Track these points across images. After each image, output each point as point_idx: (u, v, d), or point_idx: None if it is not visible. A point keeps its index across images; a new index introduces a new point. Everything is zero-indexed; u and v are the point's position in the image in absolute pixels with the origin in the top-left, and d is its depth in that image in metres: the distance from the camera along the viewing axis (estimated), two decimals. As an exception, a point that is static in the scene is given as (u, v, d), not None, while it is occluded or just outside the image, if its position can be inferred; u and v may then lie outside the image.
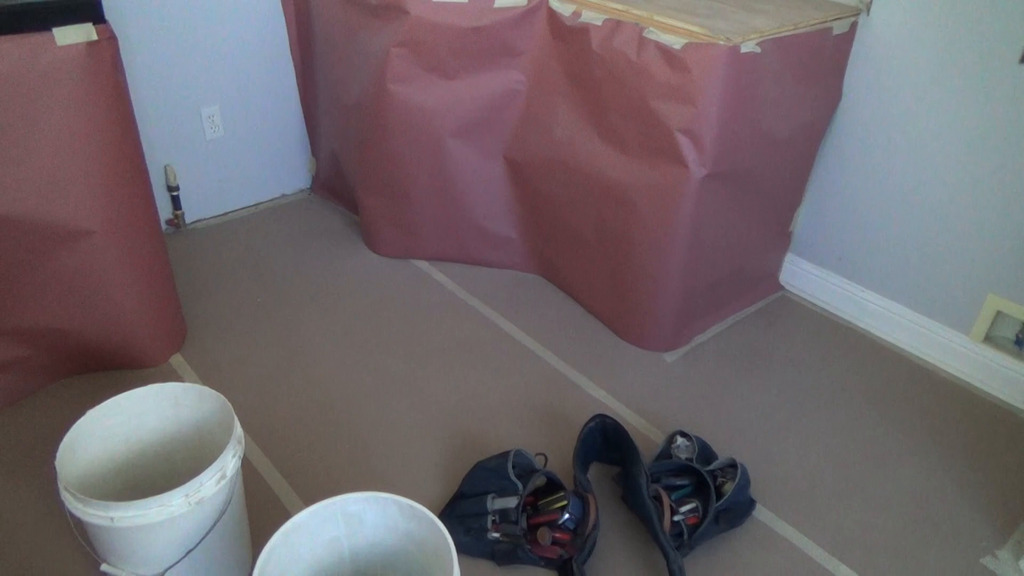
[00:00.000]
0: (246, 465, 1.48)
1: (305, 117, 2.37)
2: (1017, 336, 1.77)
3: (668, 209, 1.66)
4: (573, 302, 2.01)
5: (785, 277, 2.13)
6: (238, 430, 1.15)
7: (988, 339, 1.79)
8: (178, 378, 1.68)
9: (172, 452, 1.27)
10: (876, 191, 1.87)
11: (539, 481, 1.40)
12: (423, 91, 1.88)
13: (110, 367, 1.68)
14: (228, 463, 1.11)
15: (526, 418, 1.63)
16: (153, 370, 1.70)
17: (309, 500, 1.41)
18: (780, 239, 2.05)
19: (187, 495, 1.05)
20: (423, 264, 2.13)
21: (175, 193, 2.16)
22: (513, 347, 1.84)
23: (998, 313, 1.75)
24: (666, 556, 1.27)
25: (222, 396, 1.20)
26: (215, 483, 1.08)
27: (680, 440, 1.46)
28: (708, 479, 1.38)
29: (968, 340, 1.81)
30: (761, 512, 1.45)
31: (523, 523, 1.33)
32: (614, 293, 1.87)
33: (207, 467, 1.22)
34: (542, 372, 1.77)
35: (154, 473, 1.27)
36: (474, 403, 1.66)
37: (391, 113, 1.90)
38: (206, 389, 1.21)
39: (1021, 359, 1.74)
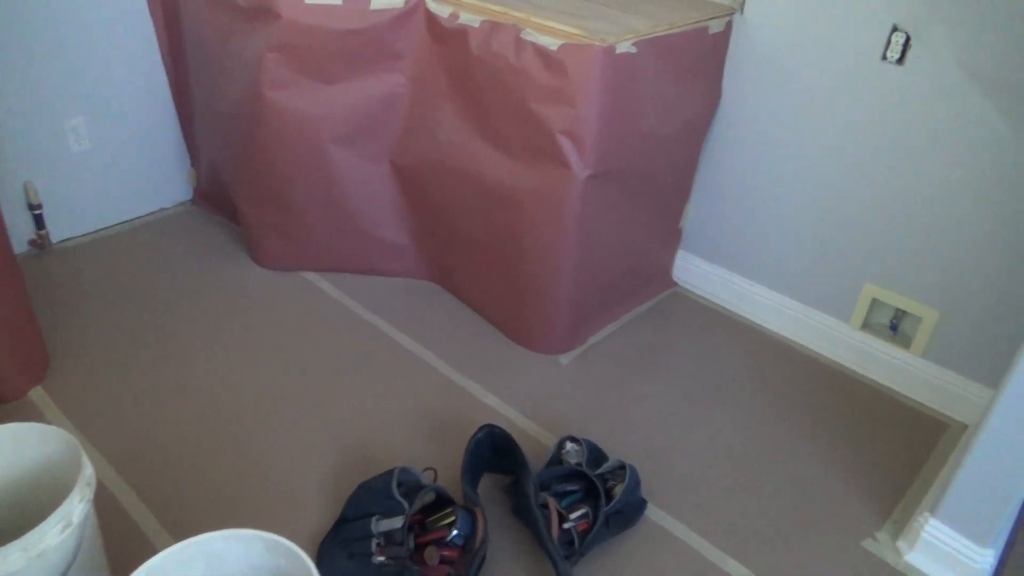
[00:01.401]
0: (114, 505, 1.38)
1: (182, 126, 2.25)
2: (891, 321, 1.84)
3: (554, 211, 1.65)
4: (467, 308, 1.98)
5: (677, 273, 2.16)
6: (87, 471, 1.07)
7: (866, 326, 1.86)
8: (37, 413, 1.56)
9: (19, 499, 1.16)
10: (758, 187, 1.91)
11: (427, 498, 1.36)
12: (301, 97, 1.80)
13: (-40, 404, 1.55)
14: (75, 509, 1.02)
15: (417, 431, 1.59)
16: (7, 406, 1.57)
17: (183, 539, 1.33)
18: (671, 236, 2.07)
19: (25, 548, 0.96)
20: (312, 276, 2.06)
21: (37, 211, 2.01)
22: (405, 358, 1.79)
23: (874, 301, 1.82)
24: (555, 566, 1.25)
25: (67, 434, 1.11)
26: (59, 532, 0.99)
27: (569, 445, 1.45)
28: (597, 483, 1.37)
29: (848, 328, 1.87)
30: (653, 511, 1.45)
31: (410, 543, 1.28)
32: (507, 297, 1.85)
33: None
34: (434, 382, 1.72)
35: (17, 521, 1.16)
36: (364, 419, 1.60)
37: (269, 120, 1.82)
38: (49, 427, 1.12)
39: (895, 343, 1.81)
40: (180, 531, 1.34)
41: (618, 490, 1.39)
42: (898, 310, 1.81)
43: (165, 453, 1.49)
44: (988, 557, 1.32)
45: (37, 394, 1.61)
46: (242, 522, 1.36)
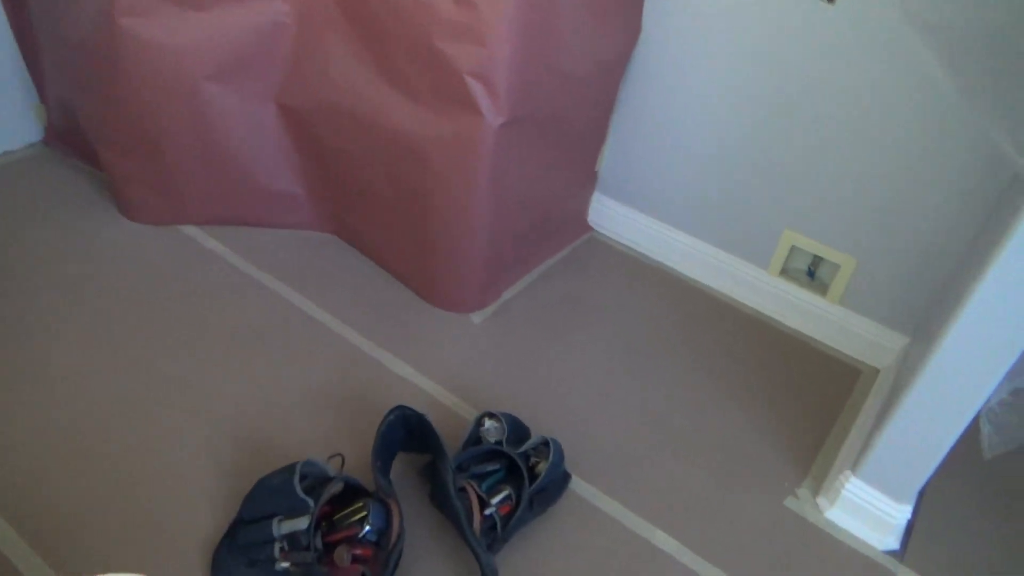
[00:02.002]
0: (-37, 517, 1.19)
1: (23, 53, 1.91)
2: (808, 268, 1.81)
3: (465, 162, 1.49)
4: (372, 265, 1.82)
5: (593, 217, 2.06)
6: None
7: (784, 272, 1.82)
8: None
9: None
10: (677, 128, 1.80)
11: (335, 489, 1.24)
12: (165, 26, 1.54)
13: None
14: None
15: (323, 411, 1.45)
16: None
17: (59, 566, 1.16)
18: (587, 179, 1.96)
19: None
20: (192, 231, 1.83)
21: None
22: (305, 325, 1.62)
23: (792, 247, 1.78)
24: (478, 559, 1.17)
25: None
26: None
27: (488, 422, 1.35)
28: (520, 462, 1.29)
29: (767, 275, 1.84)
30: (577, 484, 1.38)
31: (317, 544, 1.17)
32: (415, 253, 1.70)
33: None
34: (340, 352, 1.58)
35: None
36: (260, 401, 1.45)
37: (127, 54, 1.55)
38: None
39: (812, 290, 1.79)
40: (49, 554, 1.17)
41: (542, 467, 1.31)
42: (816, 257, 1.78)
43: (19, 460, 1.29)
44: (906, 512, 1.33)
45: None
46: (121, 533, 1.20)
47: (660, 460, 1.45)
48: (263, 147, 1.74)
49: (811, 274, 1.81)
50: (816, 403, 1.63)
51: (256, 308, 1.64)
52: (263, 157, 1.75)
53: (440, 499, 1.25)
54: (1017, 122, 1.35)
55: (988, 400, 1.16)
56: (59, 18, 1.64)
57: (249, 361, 1.52)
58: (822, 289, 1.78)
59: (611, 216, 2.02)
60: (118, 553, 1.17)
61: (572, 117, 1.68)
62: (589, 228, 2.06)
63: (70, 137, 1.97)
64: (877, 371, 1.73)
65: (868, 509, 1.34)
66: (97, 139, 1.75)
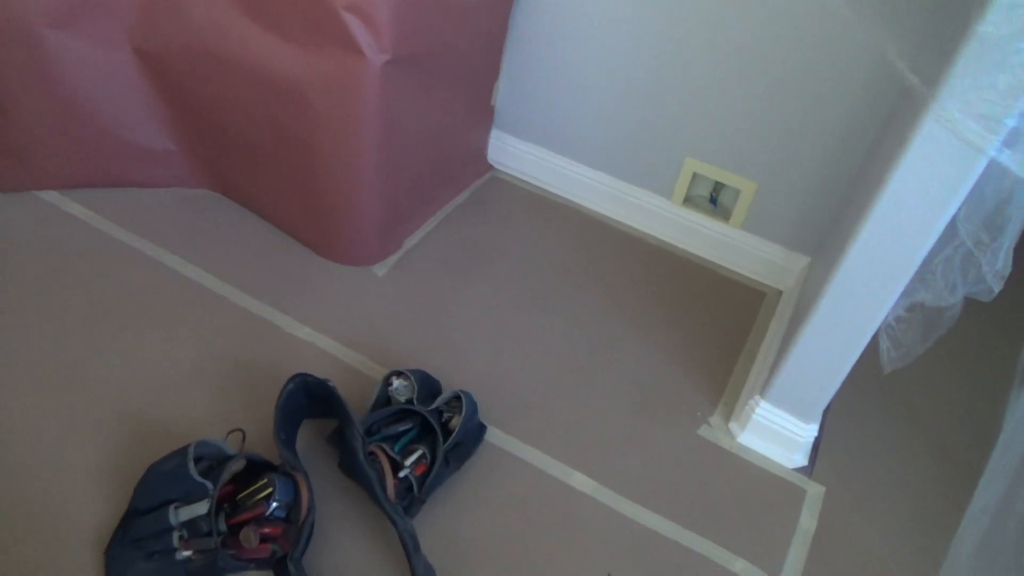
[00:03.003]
0: None
1: None
2: (711, 195, 1.80)
3: (349, 106, 1.38)
4: (260, 221, 1.69)
5: (493, 155, 1.98)
6: None
7: (687, 201, 1.81)
8: None
9: None
10: (571, 58, 1.73)
11: (236, 467, 1.16)
12: (-15, -37, 1.34)
13: None
14: None
15: (218, 384, 1.35)
16: None
17: (-86, 571, 1.04)
18: (483, 116, 1.87)
19: None
20: (52, 196, 1.65)
21: None
22: (189, 291, 1.50)
23: (695, 175, 1.76)
24: (395, 525, 1.12)
25: None
26: None
27: (397, 381, 1.29)
28: (432, 420, 1.24)
29: (670, 204, 1.82)
30: (492, 434, 1.35)
31: (220, 527, 1.09)
32: (305, 205, 1.58)
33: None
34: (231, 318, 1.47)
35: None
36: (144, 380, 1.33)
37: (-58, -3, 1.34)
38: None
39: (715, 216, 1.79)
40: (-89, 564, 1.05)
41: (455, 422, 1.27)
42: (717, 183, 1.77)
43: None
44: (812, 430, 1.37)
45: None
46: (3, 536, 1.09)
47: (574, 400, 1.44)
48: (123, 98, 1.56)
49: (714, 201, 1.81)
50: (724, 329, 1.64)
51: (132, 277, 1.50)
52: (124, 109, 1.58)
53: (350, 466, 1.20)
54: (905, 34, 1.35)
55: (886, 316, 1.19)
56: None
57: (129, 336, 1.39)
58: (725, 215, 1.78)
59: (511, 153, 1.95)
60: (2, 557, 1.07)
61: (462, 51, 1.58)
62: (490, 167, 1.98)
63: None
64: (780, 293, 1.76)
65: (777, 431, 1.37)
66: (-77, 98, 1.53)
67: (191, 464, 1.09)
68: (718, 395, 1.50)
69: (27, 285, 1.45)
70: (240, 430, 1.25)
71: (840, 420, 1.49)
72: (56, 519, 1.12)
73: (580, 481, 1.31)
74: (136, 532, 1.09)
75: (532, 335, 1.55)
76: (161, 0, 1.44)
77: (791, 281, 1.75)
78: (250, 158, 1.59)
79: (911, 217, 1.06)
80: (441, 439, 1.23)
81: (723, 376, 1.54)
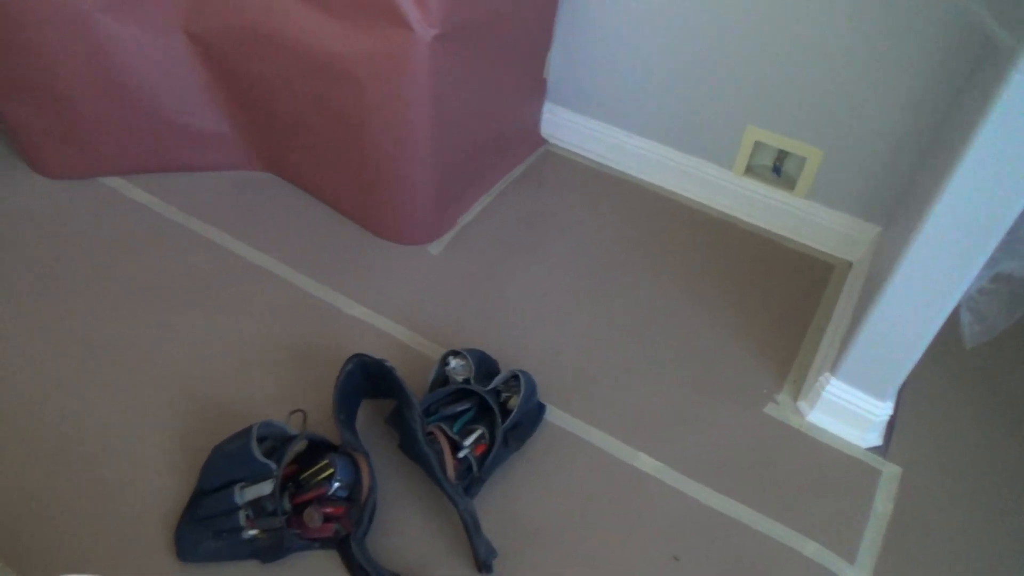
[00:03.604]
0: None
1: None
2: (774, 164, 1.73)
3: (399, 83, 1.36)
4: (315, 202, 1.69)
5: (547, 129, 1.94)
6: None
7: (749, 170, 1.74)
8: None
9: None
10: (626, 25, 1.67)
11: (298, 448, 1.17)
12: (42, -49, 1.36)
13: None
14: None
15: (277, 364, 1.36)
16: None
17: (15, 560, 1.08)
18: (535, 89, 1.83)
19: None
20: (116, 182, 1.68)
21: None
22: (248, 272, 1.52)
23: (756, 143, 1.69)
24: (455, 505, 1.12)
25: None
26: None
27: (454, 361, 1.28)
28: (490, 400, 1.23)
29: (732, 174, 1.76)
30: (553, 414, 1.33)
31: (285, 507, 1.10)
32: (359, 185, 1.58)
33: None
34: (288, 299, 1.48)
35: None
36: (207, 359, 1.35)
37: (3, -11, 1.37)
38: None
39: (778, 186, 1.72)
40: (4, 542, 1.09)
41: (514, 402, 1.25)
42: (781, 151, 1.70)
43: (-44, 443, 1.20)
44: (887, 409, 1.31)
45: None
46: (78, 518, 1.12)
47: (635, 379, 1.40)
48: (177, 83, 1.58)
49: (777, 170, 1.73)
50: (791, 304, 1.58)
51: (193, 259, 1.53)
52: (179, 94, 1.59)
53: (409, 447, 1.19)
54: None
55: (968, 288, 1.11)
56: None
57: (191, 318, 1.42)
58: (789, 184, 1.71)
59: (565, 126, 1.91)
60: (79, 540, 1.10)
61: (513, 21, 1.54)
62: (543, 141, 1.94)
63: (-37, 90, 1.77)
64: (850, 264, 1.69)
65: (849, 409, 1.32)
66: (-10, 90, 1.57)
67: (255, 445, 1.09)
68: (785, 372, 1.45)
69: (94, 269, 1.48)
70: (301, 411, 1.26)
71: (917, 398, 1.42)
72: (128, 498, 1.15)
73: (644, 461, 1.28)
74: (204, 511, 1.10)
75: (591, 312, 1.52)
76: (212, -18, 1.44)
77: (861, 252, 1.67)
78: (303, 139, 1.58)
79: (996, 180, 0.99)
80: (500, 419, 1.22)
81: (790, 352, 1.48)
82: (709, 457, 1.29)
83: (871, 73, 1.46)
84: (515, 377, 1.27)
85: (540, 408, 1.32)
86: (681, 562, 1.15)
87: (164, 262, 1.51)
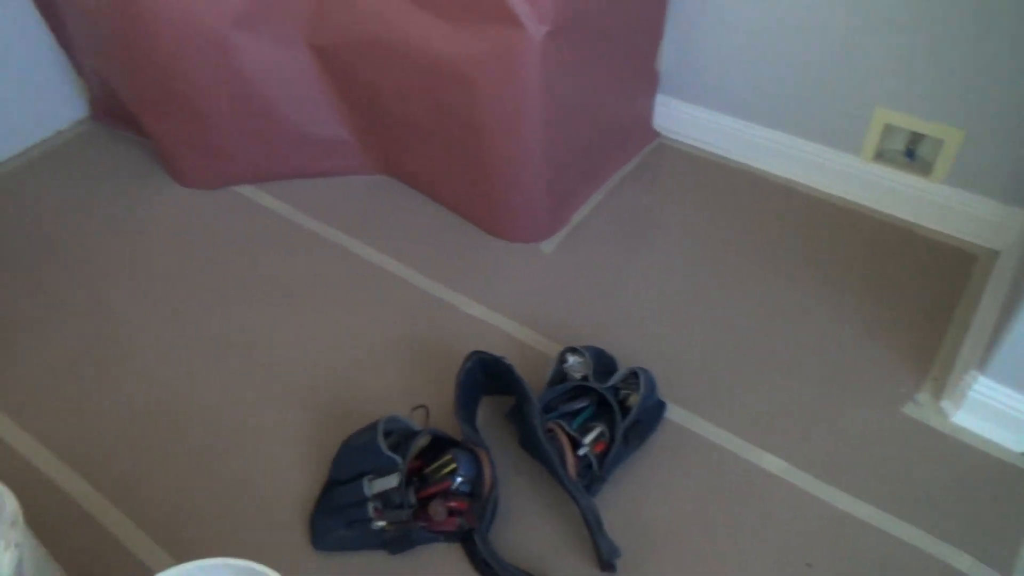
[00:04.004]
0: (75, 512, 1.20)
1: (53, 30, 1.86)
2: (907, 147, 1.62)
3: (511, 82, 1.37)
4: (431, 203, 1.73)
5: (659, 122, 1.90)
6: (9, 509, 0.88)
7: (879, 156, 1.64)
8: (-42, 411, 1.35)
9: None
10: (742, 8, 1.61)
11: (422, 443, 1.20)
12: (180, -24, 1.45)
13: None
14: (1, 561, 0.84)
15: (398, 361, 1.40)
16: (-77, 408, 1.35)
17: (163, 542, 1.17)
18: (647, 81, 1.80)
19: (-55, 627, 0.79)
20: (246, 190, 1.78)
21: (-97, 163, 1.69)
22: (369, 272, 1.57)
23: (887, 126, 1.59)
24: (577, 503, 1.11)
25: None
26: (-16, 597, 0.82)
27: (571, 358, 1.27)
28: (609, 397, 1.21)
29: (859, 160, 1.66)
30: (673, 412, 1.30)
31: (411, 500, 1.13)
32: (472, 185, 1.60)
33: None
34: (408, 297, 1.52)
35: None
36: (333, 357, 1.41)
37: (144, 11, 1.47)
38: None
39: (912, 171, 1.61)
40: (151, 525, 1.18)
41: (633, 400, 1.23)
42: (914, 134, 1.59)
43: (120, 434, 1.30)
44: (1044, 409, 1.20)
45: (-45, 386, 1.39)
46: (219, 505, 1.20)
47: (760, 376, 1.35)
48: (302, 93, 1.65)
49: (910, 154, 1.62)
50: (929, 296, 1.48)
51: (318, 261, 1.59)
52: (304, 104, 1.67)
53: (529, 443, 1.20)
54: None
55: None
56: (76, -15, 1.57)
57: (317, 317, 1.48)
58: (925, 169, 1.60)
59: (678, 118, 1.86)
60: (219, 526, 1.17)
61: (623, 13, 1.52)
62: (656, 134, 1.90)
63: (112, 108, 1.93)
64: (996, 253, 1.56)
65: (1001, 410, 1.21)
66: (134, 106, 1.70)
67: (381, 439, 1.13)
68: (925, 370, 1.35)
69: (227, 271, 1.58)
70: (424, 406, 1.29)
71: (1079, 397, 1.29)
72: (263, 488, 1.22)
73: (770, 462, 1.23)
74: (335, 502, 1.15)
75: (710, 308, 1.48)
76: (332, -5, 1.50)
77: (1009, 239, 1.54)
78: (419, 142, 1.62)
79: None
80: (619, 417, 1.20)
81: (930, 348, 1.38)
82: (842, 459, 1.23)
83: (1017, 37, 1.34)
84: (634, 374, 1.25)
85: (660, 406, 1.29)
86: (815, 569, 1.10)
87: (292, 264, 1.59)
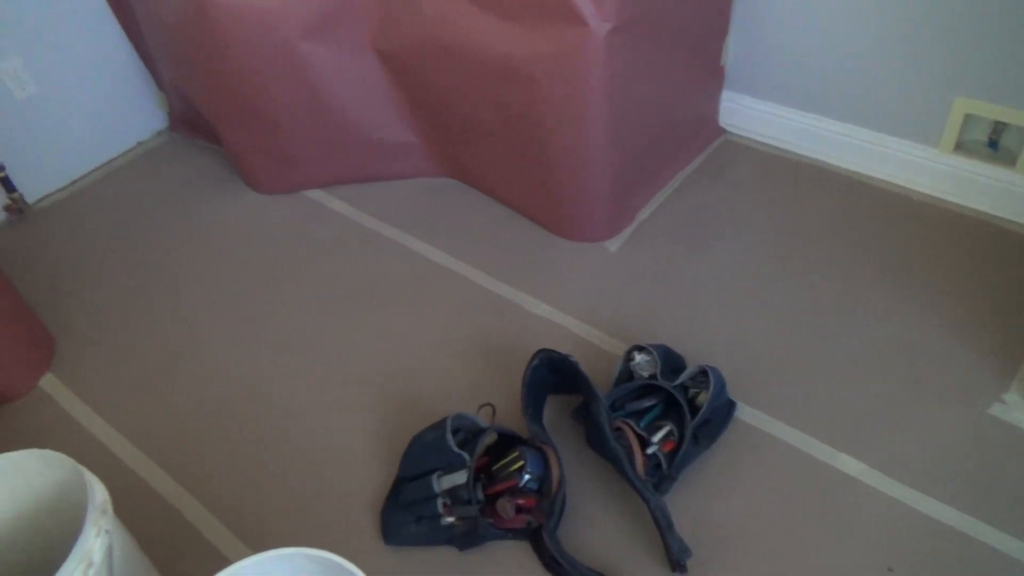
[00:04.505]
0: (158, 504, 1.26)
1: (135, 46, 1.96)
2: (989, 138, 1.56)
3: (574, 80, 1.37)
4: (495, 203, 1.75)
5: (725, 118, 1.87)
6: (98, 497, 0.92)
7: (959, 147, 1.58)
8: (50, 405, 1.42)
9: (35, 538, 1.03)
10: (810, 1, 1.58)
11: (489, 440, 1.21)
12: (252, -11, 1.50)
13: (-32, 412, 1.42)
14: (92, 546, 0.88)
15: (465, 360, 1.41)
16: (20, 403, 1.43)
17: (240, 533, 1.21)
18: (712, 77, 1.77)
19: (44, 607, 0.83)
20: (317, 194, 1.83)
21: (1, 174, 1.79)
22: (435, 273, 1.59)
23: (967, 116, 1.53)
24: (646, 502, 1.10)
25: (68, 458, 0.95)
26: (79, 578, 0.86)
27: (638, 356, 1.26)
28: (677, 395, 1.20)
29: (938, 153, 1.60)
30: (743, 411, 1.28)
31: (479, 496, 1.14)
32: (536, 185, 1.60)
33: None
34: (473, 297, 1.53)
35: (25, 569, 1.04)
36: (401, 355, 1.43)
37: (219, 23, 1.53)
38: (50, 453, 0.97)
39: (996, 162, 1.54)
40: (229, 517, 1.22)
41: (702, 398, 1.21)
42: (997, 123, 1.52)
43: (199, 430, 1.35)
44: None
45: (49, 382, 1.46)
46: (292, 499, 1.23)
47: (834, 375, 1.31)
48: (370, 98, 1.69)
49: (993, 145, 1.55)
50: (1014, 292, 1.41)
51: (385, 262, 1.62)
52: (371, 109, 1.70)
53: (597, 442, 1.19)
54: None
55: None
56: (155, 2, 1.64)
57: (386, 316, 1.51)
58: (1009, 159, 1.53)
59: (745, 114, 1.83)
60: (293, 519, 1.20)
61: (688, 8, 1.51)
62: (722, 131, 1.87)
63: (191, 119, 2.01)
64: (1089, 247, 1.48)
65: (1098, 410, 1.15)
66: (211, 117, 1.76)
67: (449, 436, 1.14)
68: (1012, 369, 1.29)
69: (299, 272, 1.62)
70: (491, 404, 1.29)
71: None
72: (334, 481, 1.24)
73: (846, 463, 1.19)
74: (405, 497, 1.17)
75: (782, 306, 1.44)
76: (396, 3, 1.52)
77: (1104, 232, 1.46)
78: (483, 143, 1.64)
79: None
80: (688, 416, 1.18)
81: (1017, 347, 1.32)
82: (924, 460, 1.18)
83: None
84: (703, 372, 1.23)
85: (730, 405, 1.27)
86: (896, 574, 1.06)
87: (360, 265, 1.62)
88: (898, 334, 1.37)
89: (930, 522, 1.11)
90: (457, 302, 1.52)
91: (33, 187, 1.89)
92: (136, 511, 1.24)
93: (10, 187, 1.82)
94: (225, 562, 1.15)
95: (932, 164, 1.61)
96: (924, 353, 1.33)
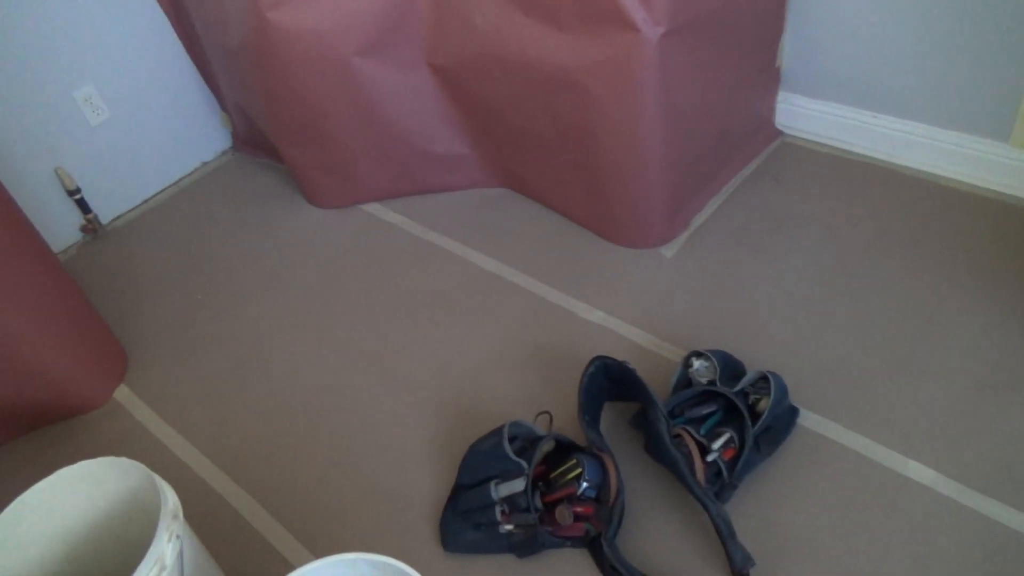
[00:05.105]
0: (225, 510, 1.30)
1: (199, 70, 2.04)
2: (1066, 130, 1.49)
3: (627, 86, 1.36)
4: (548, 212, 1.75)
5: (782, 120, 1.84)
6: (170, 503, 0.96)
7: (1032, 141, 1.51)
8: (124, 416, 1.48)
9: (111, 543, 1.08)
10: (871, -5, 1.54)
11: (547, 448, 1.21)
12: (308, 10, 1.55)
13: (48, 422, 1.48)
14: (164, 550, 0.92)
15: (521, 368, 1.42)
16: (96, 413, 1.50)
17: (303, 538, 1.24)
18: (767, 79, 1.74)
19: (121, 608, 0.87)
20: (374, 208, 1.87)
21: (77, 196, 1.89)
22: (490, 282, 1.60)
23: (1040, 109, 1.47)
24: (707, 510, 1.08)
25: (142, 466, 0.99)
26: (152, 581, 0.89)
27: (697, 362, 1.24)
28: (738, 402, 1.18)
29: (1008, 147, 1.53)
30: (806, 418, 1.25)
31: (537, 504, 1.14)
32: (590, 193, 1.60)
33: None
34: (528, 305, 1.54)
35: (101, 570, 1.09)
36: (457, 364, 1.45)
37: (278, 45, 1.58)
38: (125, 461, 1.01)
39: (1074, 156, 1.47)
40: (297, 531, 1.25)
41: (763, 404, 1.19)
42: (1074, 115, 1.45)
43: (263, 439, 1.39)
44: None
45: (123, 394, 1.53)
46: (353, 507, 1.25)
47: (902, 380, 1.27)
48: (423, 112, 1.71)
49: (1069, 137, 1.48)
50: (1097, 292, 1.34)
51: (441, 272, 1.64)
52: (425, 122, 1.73)
53: (656, 449, 1.18)
54: None
55: None
56: (218, 27, 1.71)
57: (442, 326, 1.52)
58: (1087, 153, 1.46)
59: (802, 114, 1.79)
60: (354, 526, 1.23)
61: (741, 10, 1.49)
62: (778, 132, 1.84)
63: (253, 138, 2.08)
64: None
65: None
66: (273, 135, 1.82)
67: (507, 444, 1.15)
68: (1096, 372, 1.23)
69: (358, 286, 1.65)
70: (547, 412, 1.30)
71: None
72: (395, 490, 1.26)
73: (917, 471, 1.15)
74: (464, 505, 1.17)
75: (845, 310, 1.40)
76: (448, 17, 1.55)
77: None
78: (536, 152, 1.65)
79: None
80: (749, 422, 1.16)
81: (1101, 348, 1.26)
82: (1002, 469, 1.13)
83: None
84: (764, 378, 1.21)
85: (792, 411, 1.24)
86: (973, 586, 1.01)
87: (417, 275, 1.65)
88: (968, 336, 1.31)
89: (1012, 535, 1.06)
90: (512, 310, 1.53)
91: (107, 207, 1.98)
92: (204, 516, 1.28)
93: (86, 208, 1.91)
94: (288, 567, 1.18)
95: (1002, 159, 1.55)
96: (998, 356, 1.28)
